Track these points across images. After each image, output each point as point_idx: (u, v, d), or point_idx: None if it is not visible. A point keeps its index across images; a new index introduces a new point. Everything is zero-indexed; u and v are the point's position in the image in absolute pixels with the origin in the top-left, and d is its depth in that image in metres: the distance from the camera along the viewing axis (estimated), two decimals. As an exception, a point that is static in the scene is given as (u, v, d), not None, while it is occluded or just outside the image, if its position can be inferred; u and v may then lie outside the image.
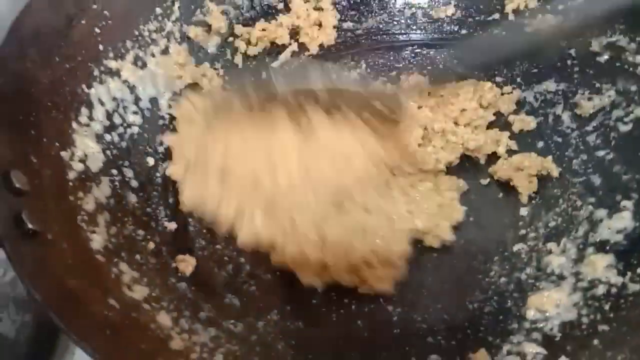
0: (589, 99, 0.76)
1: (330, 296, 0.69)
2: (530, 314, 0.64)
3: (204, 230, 0.74)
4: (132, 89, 0.76)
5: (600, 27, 0.76)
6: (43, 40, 0.67)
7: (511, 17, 0.85)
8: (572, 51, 0.80)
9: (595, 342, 0.56)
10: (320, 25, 0.90)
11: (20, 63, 0.64)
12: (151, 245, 0.68)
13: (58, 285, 0.53)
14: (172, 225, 0.72)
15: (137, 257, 0.65)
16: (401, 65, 0.89)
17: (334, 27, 0.91)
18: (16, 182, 0.57)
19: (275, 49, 0.90)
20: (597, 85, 0.76)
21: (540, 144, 0.79)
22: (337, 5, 0.91)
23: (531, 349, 0.59)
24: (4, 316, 0.77)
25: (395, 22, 0.92)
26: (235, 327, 0.64)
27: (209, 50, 0.86)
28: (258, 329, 0.65)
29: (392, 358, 0.64)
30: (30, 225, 0.55)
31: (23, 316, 0.80)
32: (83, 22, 0.71)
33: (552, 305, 0.63)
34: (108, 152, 0.71)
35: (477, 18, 0.89)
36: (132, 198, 0.71)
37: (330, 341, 0.66)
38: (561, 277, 0.66)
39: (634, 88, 0.72)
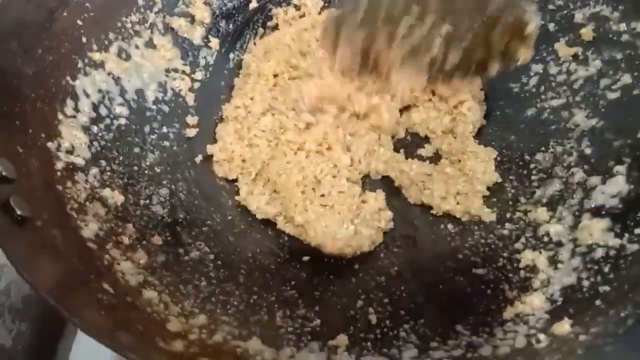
0: (575, 70, 0.76)
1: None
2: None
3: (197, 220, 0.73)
4: (117, 80, 0.76)
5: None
6: (25, 33, 0.66)
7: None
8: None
9: (598, 302, 0.56)
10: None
11: (3, 55, 0.64)
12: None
13: (51, 269, 0.52)
14: (162, 213, 0.71)
15: (129, 244, 0.64)
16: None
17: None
18: (3, 170, 0.56)
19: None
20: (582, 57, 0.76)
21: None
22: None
23: (532, 313, 0.59)
24: (0, 325, 0.76)
25: None
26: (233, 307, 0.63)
27: (193, 42, 0.85)
28: (260, 309, 0.64)
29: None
30: (19, 212, 0.54)
31: (19, 325, 0.79)
32: (65, 14, 0.71)
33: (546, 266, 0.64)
34: (95, 143, 0.70)
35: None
36: (122, 188, 0.70)
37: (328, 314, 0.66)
38: (559, 245, 0.65)
39: (619, 56, 0.72)
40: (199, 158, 0.79)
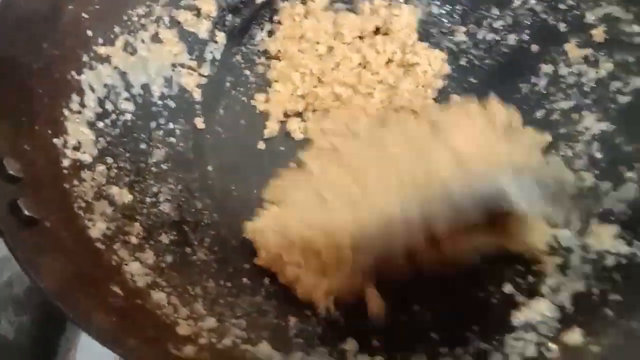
0: (586, 72, 0.76)
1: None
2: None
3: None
4: (122, 75, 0.74)
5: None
6: (30, 27, 0.65)
7: None
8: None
9: (608, 311, 0.56)
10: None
11: (9, 49, 0.62)
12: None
13: (60, 272, 0.51)
14: (169, 211, 0.71)
15: (137, 244, 0.63)
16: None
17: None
18: (9, 169, 0.55)
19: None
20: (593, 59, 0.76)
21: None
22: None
23: (543, 321, 0.59)
24: (3, 317, 0.76)
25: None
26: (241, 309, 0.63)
27: (199, 36, 0.84)
28: (268, 311, 0.64)
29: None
30: (27, 212, 0.53)
31: (22, 317, 0.78)
32: (70, 7, 0.69)
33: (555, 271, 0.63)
34: (102, 139, 0.69)
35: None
36: (128, 186, 0.69)
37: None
38: (568, 250, 0.65)
39: (631, 59, 0.72)
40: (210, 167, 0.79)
